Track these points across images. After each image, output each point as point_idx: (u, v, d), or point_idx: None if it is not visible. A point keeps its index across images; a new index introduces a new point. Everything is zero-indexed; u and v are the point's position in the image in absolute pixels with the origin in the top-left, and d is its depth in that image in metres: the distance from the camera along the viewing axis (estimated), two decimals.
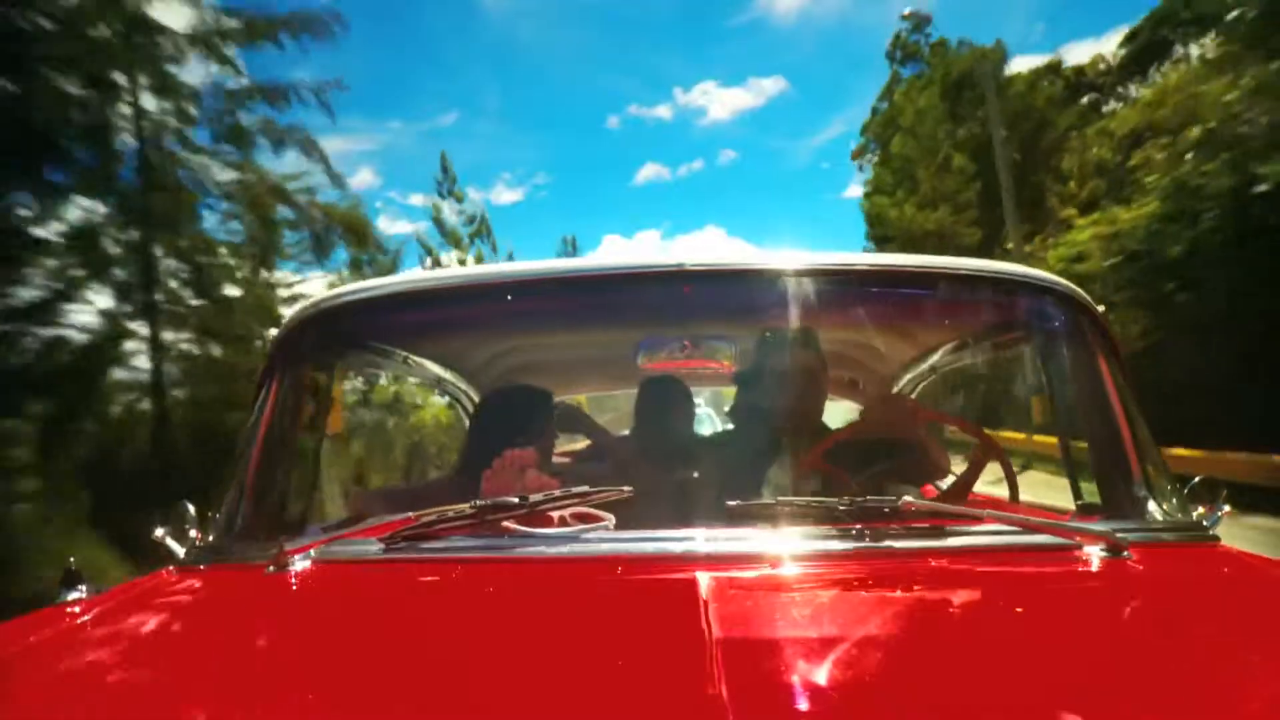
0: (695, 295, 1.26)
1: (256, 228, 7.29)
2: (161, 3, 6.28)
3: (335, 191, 7.95)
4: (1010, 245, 13.31)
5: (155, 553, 1.11)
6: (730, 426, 1.64)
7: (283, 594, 0.92)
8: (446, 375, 2.14)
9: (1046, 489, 1.71)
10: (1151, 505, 1.10)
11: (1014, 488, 1.36)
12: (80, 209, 5.76)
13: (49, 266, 5.46)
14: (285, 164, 7.60)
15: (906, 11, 23.58)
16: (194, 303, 6.68)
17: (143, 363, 6.34)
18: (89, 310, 5.83)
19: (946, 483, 1.42)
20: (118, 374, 6.22)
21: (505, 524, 0.97)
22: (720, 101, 61.34)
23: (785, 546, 0.91)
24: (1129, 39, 17.68)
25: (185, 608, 0.95)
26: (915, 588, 0.83)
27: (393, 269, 8.70)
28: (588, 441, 1.98)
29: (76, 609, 0.94)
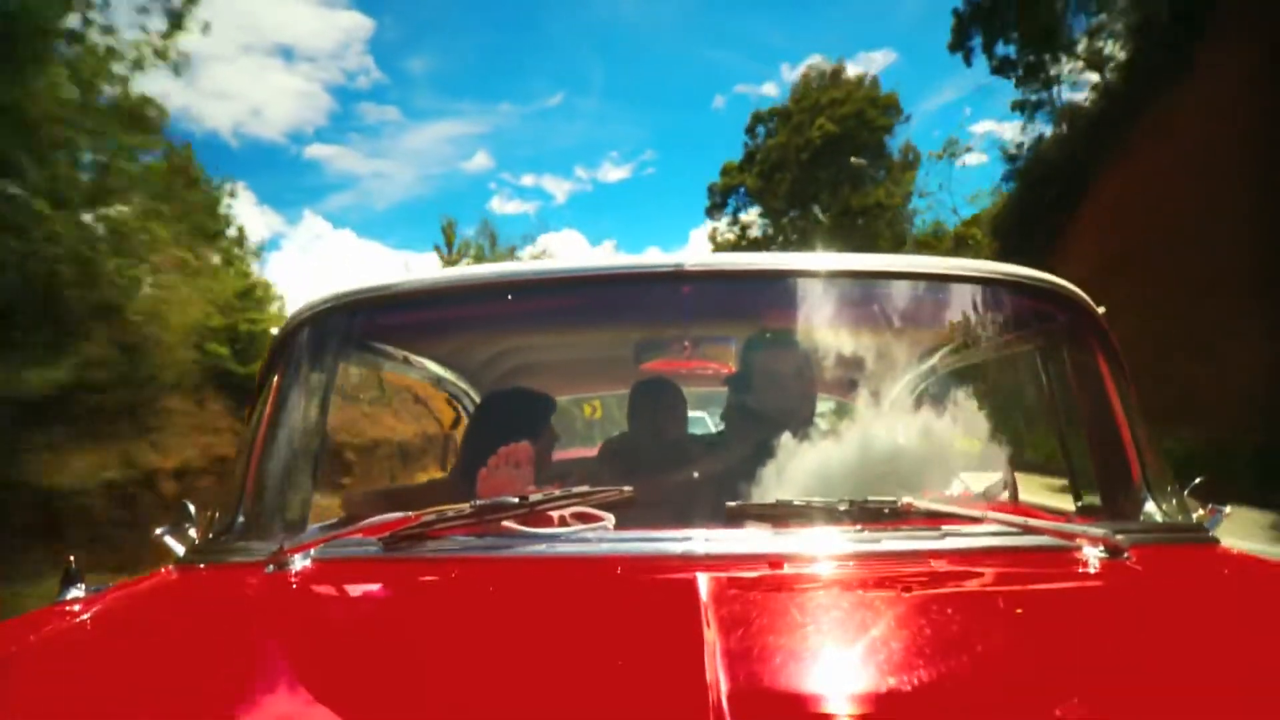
0: (694, 296, 1.26)
1: None
2: None
3: None
4: None
5: None
6: (725, 427, 1.64)
7: (282, 593, 0.92)
8: (446, 375, 2.14)
9: None
10: (1151, 506, 1.10)
11: (1014, 489, 1.36)
12: None
13: None
14: None
15: None
16: None
17: None
18: None
19: (946, 484, 1.41)
20: None
21: (505, 524, 0.97)
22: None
23: (785, 547, 0.91)
24: None
25: (185, 606, 0.95)
26: (915, 588, 0.83)
27: None
28: (586, 447, 1.98)
29: (76, 608, 0.94)
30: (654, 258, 1.21)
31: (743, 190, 31.36)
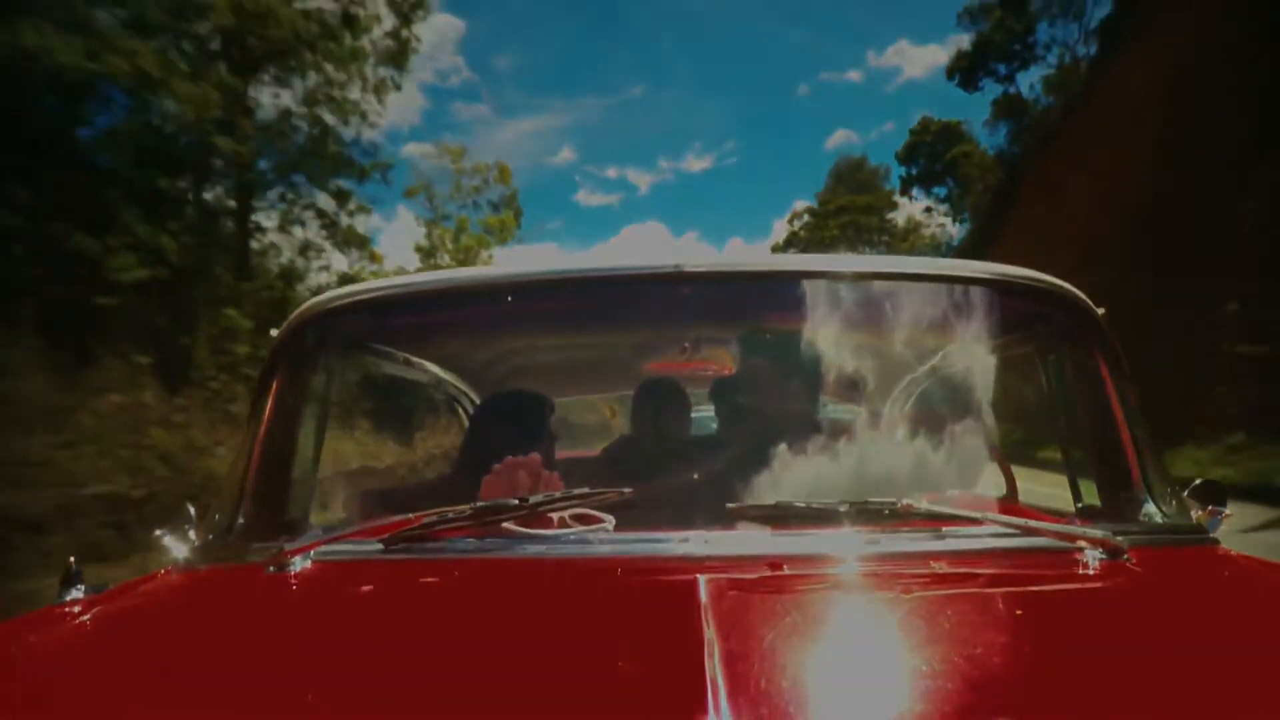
0: (694, 297, 1.26)
1: None
2: None
3: None
4: None
5: None
6: (726, 428, 1.64)
7: (283, 594, 0.92)
8: (446, 377, 2.14)
9: None
10: (1151, 508, 1.10)
11: (1013, 489, 1.36)
12: None
13: None
14: None
15: None
16: None
17: None
18: None
19: (946, 485, 1.41)
20: None
21: (505, 525, 0.97)
22: (913, 60, 59.16)
23: (785, 548, 0.91)
24: None
25: (185, 607, 0.95)
26: (915, 590, 0.83)
27: None
28: (588, 448, 1.98)
29: (76, 608, 0.94)
30: (653, 259, 1.20)
31: None
